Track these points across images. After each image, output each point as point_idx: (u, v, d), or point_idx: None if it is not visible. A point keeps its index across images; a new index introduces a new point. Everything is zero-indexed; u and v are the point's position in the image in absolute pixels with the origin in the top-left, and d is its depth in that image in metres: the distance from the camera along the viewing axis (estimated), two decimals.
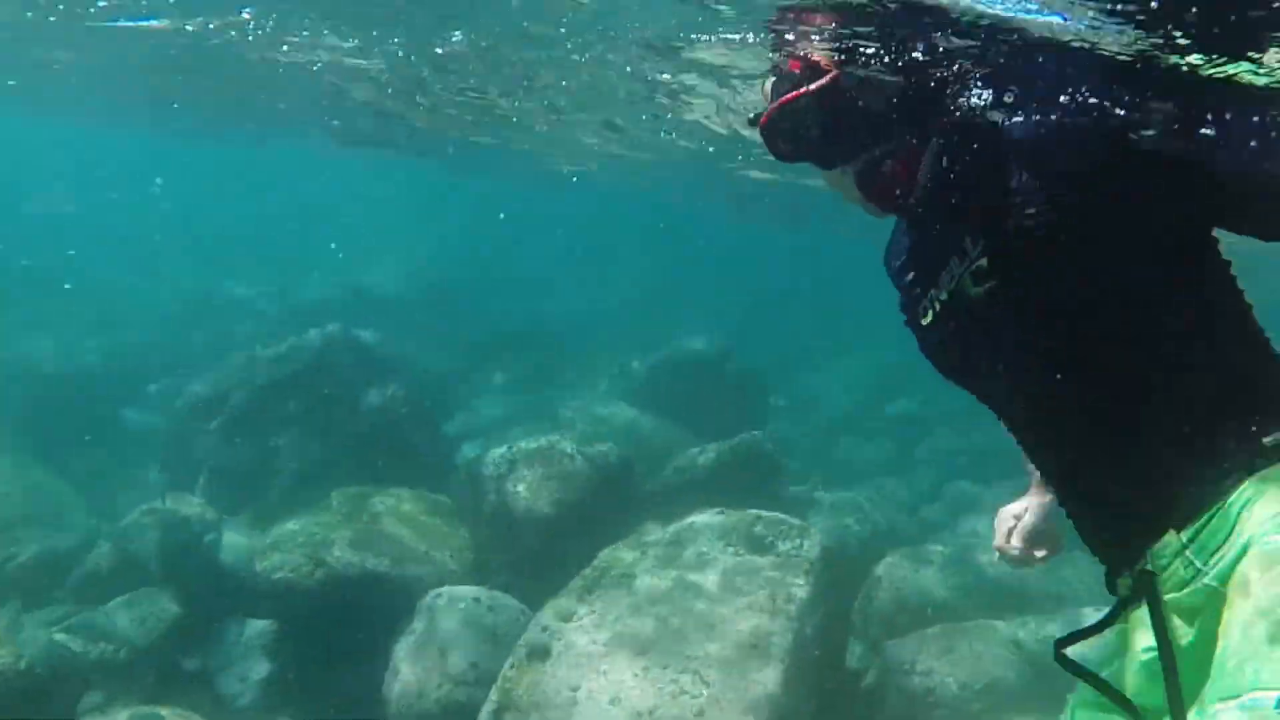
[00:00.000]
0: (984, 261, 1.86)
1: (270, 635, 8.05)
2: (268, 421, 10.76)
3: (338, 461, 10.56)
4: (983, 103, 2.14)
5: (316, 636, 8.02)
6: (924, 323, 2.08)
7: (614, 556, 7.52)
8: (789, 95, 2.00)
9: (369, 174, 29.90)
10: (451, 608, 7.40)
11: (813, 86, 2.00)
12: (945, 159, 1.95)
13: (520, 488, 9.12)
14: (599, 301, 22.87)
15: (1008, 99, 2.26)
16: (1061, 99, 2.76)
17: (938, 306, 2.02)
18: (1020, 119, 1.94)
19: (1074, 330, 1.80)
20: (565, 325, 19.42)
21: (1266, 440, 1.73)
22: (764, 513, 7.71)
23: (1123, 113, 2.62)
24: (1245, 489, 1.72)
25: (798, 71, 2.09)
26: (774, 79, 2.16)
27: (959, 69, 2.52)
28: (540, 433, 10.69)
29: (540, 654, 6.44)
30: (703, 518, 7.76)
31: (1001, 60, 3.13)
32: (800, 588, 6.69)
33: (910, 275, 2.12)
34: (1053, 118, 1.93)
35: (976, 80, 2.34)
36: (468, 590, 7.68)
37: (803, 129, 2.00)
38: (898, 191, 2.01)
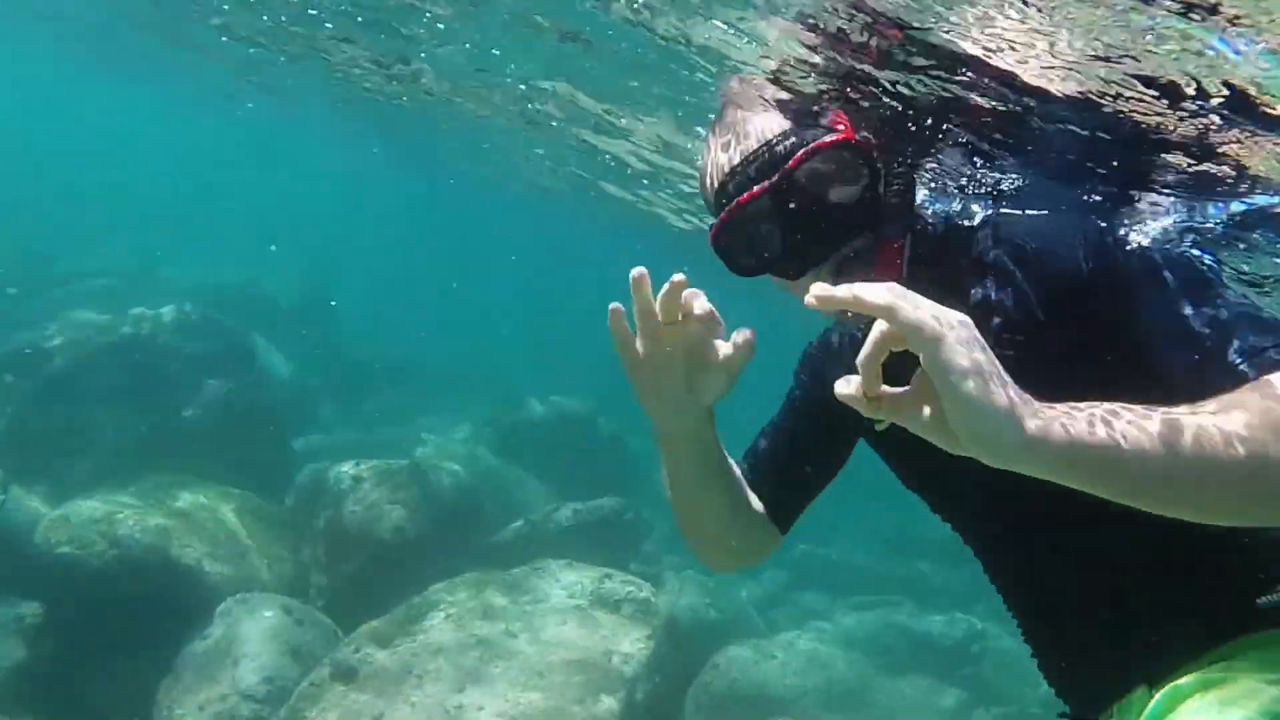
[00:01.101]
0: None
1: (38, 620, 7.05)
2: (93, 388, 9.76)
3: (165, 446, 9.62)
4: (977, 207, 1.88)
5: (94, 627, 7.08)
6: (879, 430, 1.74)
7: (448, 590, 6.96)
8: (742, 198, 1.59)
9: (276, 154, 28.40)
10: (255, 615, 6.65)
11: (769, 182, 1.58)
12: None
13: (360, 507, 8.45)
14: (479, 342, 22.34)
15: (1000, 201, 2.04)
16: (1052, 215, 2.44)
17: None
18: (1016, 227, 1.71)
19: None
20: (441, 360, 18.81)
21: (1260, 601, 1.52)
22: (615, 572, 7.31)
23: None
24: (1206, 669, 1.52)
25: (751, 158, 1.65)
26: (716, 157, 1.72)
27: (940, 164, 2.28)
28: (395, 458, 10.05)
29: (345, 675, 5.79)
30: (550, 566, 7.30)
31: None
32: (639, 651, 6.27)
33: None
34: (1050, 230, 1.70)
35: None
36: (278, 599, 6.94)
37: (764, 238, 1.62)
38: None
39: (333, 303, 18.41)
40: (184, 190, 32.27)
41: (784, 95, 2.64)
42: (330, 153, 21.16)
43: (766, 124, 1.66)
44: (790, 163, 1.56)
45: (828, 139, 1.58)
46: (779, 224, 1.59)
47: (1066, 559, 1.66)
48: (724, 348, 1.55)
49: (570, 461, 12.94)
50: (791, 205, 1.57)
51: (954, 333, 1.19)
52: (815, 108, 2.23)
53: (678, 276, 1.46)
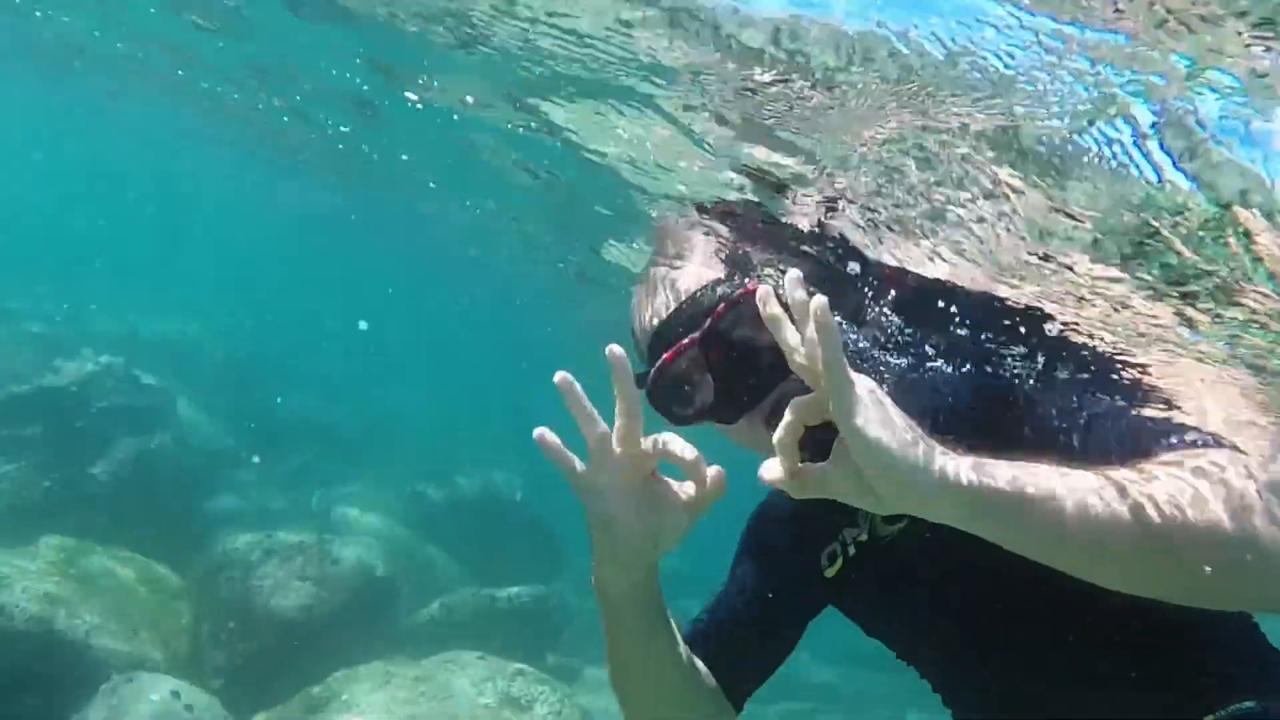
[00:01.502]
0: None
1: None
2: (2, 441, 9.35)
3: (66, 506, 9.20)
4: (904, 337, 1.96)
5: None
6: (829, 574, 1.74)
7: (350, 680, 6.68)
8: (668, 353, 1.58)
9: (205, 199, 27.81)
10: (141, 698, 6.29)
11: (698, 334, 1.58)
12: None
13: (268, 582, 8.14)
14: (407, 410, 21.93)
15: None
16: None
17: (852, 550, 1.71)
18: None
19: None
20: (366, 425, 18.40)
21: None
22: (527, 668, 7.09)
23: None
24: None
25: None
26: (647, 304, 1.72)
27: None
28: (312, 531, 9.74)
29: None
30: (461, 657, 7.06)
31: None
32: None
33: (808, 526, 1.77)
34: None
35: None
36: (167, 682, 6.57)
37: (697, 387, 1.61)
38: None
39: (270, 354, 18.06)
40: (118, 232, 31.59)
41: (718, 228, 2.66)
42: (271, 198, 20.92)
43: (695, 275, 1.67)
44: (715, 314, 1.57)
45: (751, 288, 1.58)
46: (710, 373, 1.58)
47: (1034, 683, 1.64)
48: (685, 485, 1.42)
49: (493, 541, 12.69)
50: (720, 355, 1.57)
51: (862, 383, 1.22)
52: (743, 250, 2.26)
53: (624, 421, 1.36)
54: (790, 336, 1.26)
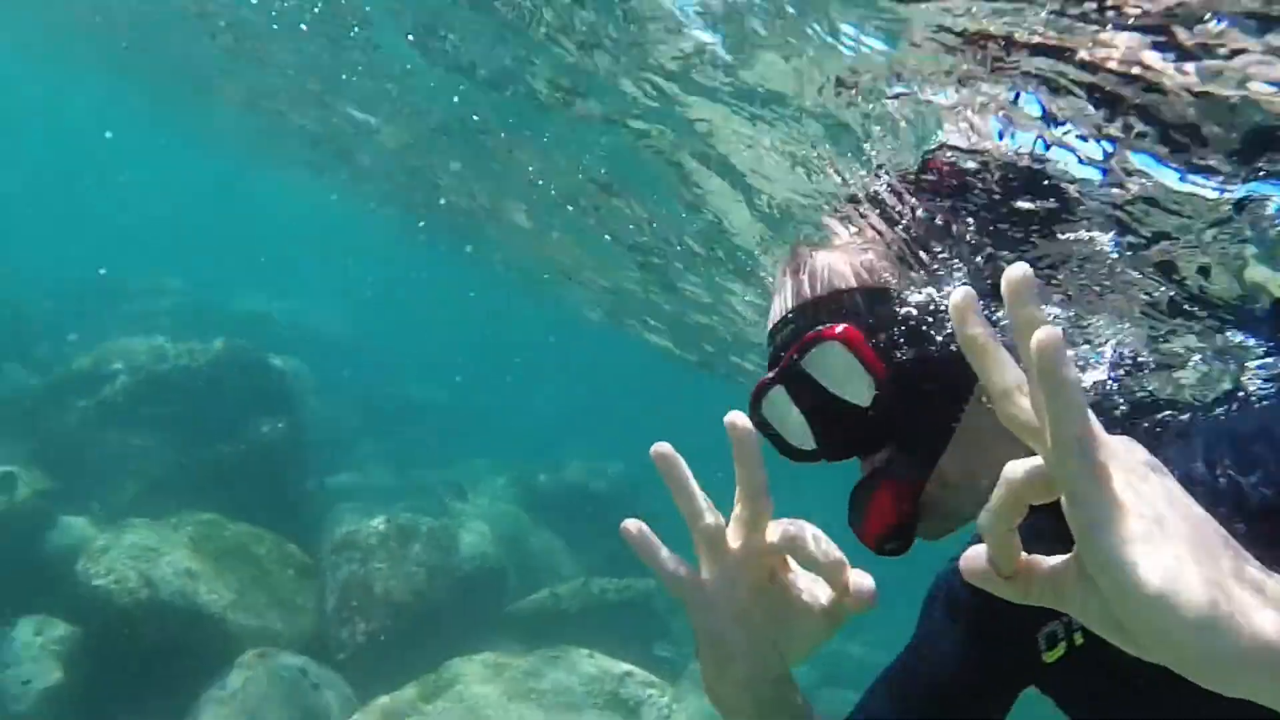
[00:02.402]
0: None
1: (72, 644, 7.16)
2: (141, 418, 9.97)
3: (203, 480, 9.77)
4: None
5: (122, 660, 7.17)
6: (1048, 659, 1.35)
7: (465, 669, 6.94)
8: (807, 335, 1.29)
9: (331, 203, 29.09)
10: (273, 673, 6.69)
11: (779, 370, 1.31)
12: None
13: (386, 565, 8.50)
14: (520, 398, 22.46)
15: None
16: None
17: (1079, 639, 1.30)
18: None
19: None
20: (480, 411, 18.90)
21: None
22: (637, 670, 7.24)
23: None
24: None
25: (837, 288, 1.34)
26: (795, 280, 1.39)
27: None
28: (426, 514, 10.12)
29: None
30: (571, 655, 7.25)
31: None
32: None
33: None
34: None
35: None
36: (295, 659, 6.97)
37: (788, 428, 1.35)
38: None
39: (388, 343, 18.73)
40: (237, 220, 32.93)
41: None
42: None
43: (826, 267, 1.37)
44: (798, 345, 1.29)
45: (825, 330, 1.27)
46: (801, 413, 1.32)
47: None
48: (820, 588, 1.08)
49: (601, 532, 12.91)
50: (807, 397, 1.30)
51: (1127, 465, 0.77)
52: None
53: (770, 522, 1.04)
54: (999, 377, 0.83)
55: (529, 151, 5.68)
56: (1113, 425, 0.99)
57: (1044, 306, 0.85)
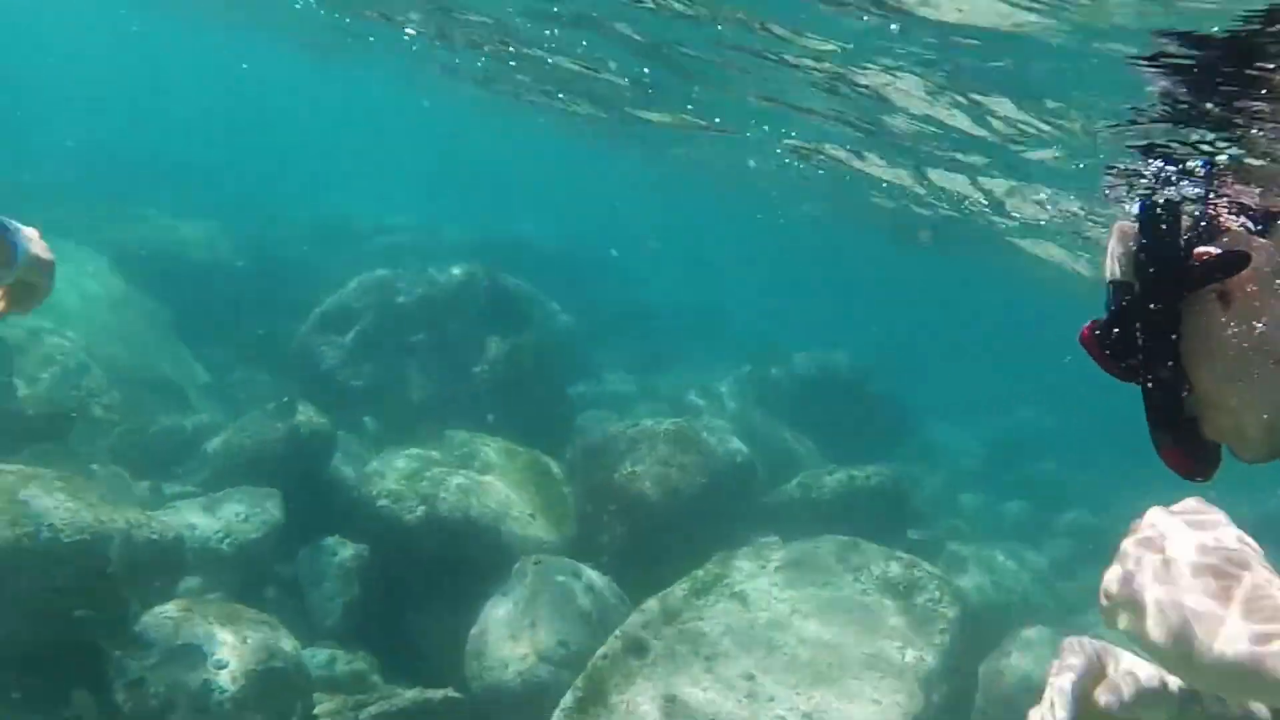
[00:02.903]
0: None
1: (365, 562, 7.79)
2: (396, 348, 10.58)
3: (457, 400, 10.31)
4: None
5: (409, 573, 7.74)
6: None
7: (730, 564, 6.96)
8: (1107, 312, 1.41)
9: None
10: (548, 578, 6.97)
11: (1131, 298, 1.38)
12: None
13: (639, 468, 8.62)
14: (734, 297, 22.28)
15: None
16: None
17: None
18: None
19: None
20: (696, 314, 18.91)
21: None
22: (901, 553, 7.03)
23: None
24: None
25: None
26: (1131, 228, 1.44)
27: None
28: (667, 415, 10.22)
29: (637, 650, 5.94)
30: (831, 542, 7.12)
31: None
32: (933, 649, 6.00)
33: None
34: None
35: None
36: (567, 563, 7.23)
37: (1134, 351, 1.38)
38: None
39: (613, 252, 18.95)
40: (454, 153, 33.99)
41: None
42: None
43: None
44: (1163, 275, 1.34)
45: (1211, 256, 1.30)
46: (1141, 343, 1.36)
47: None
48: None
49: (838, 420, 12.66)
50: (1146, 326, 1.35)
51: None
52: None
53: None
54: None
55: None
56: None
57: None
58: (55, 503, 5.52)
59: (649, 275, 20.44)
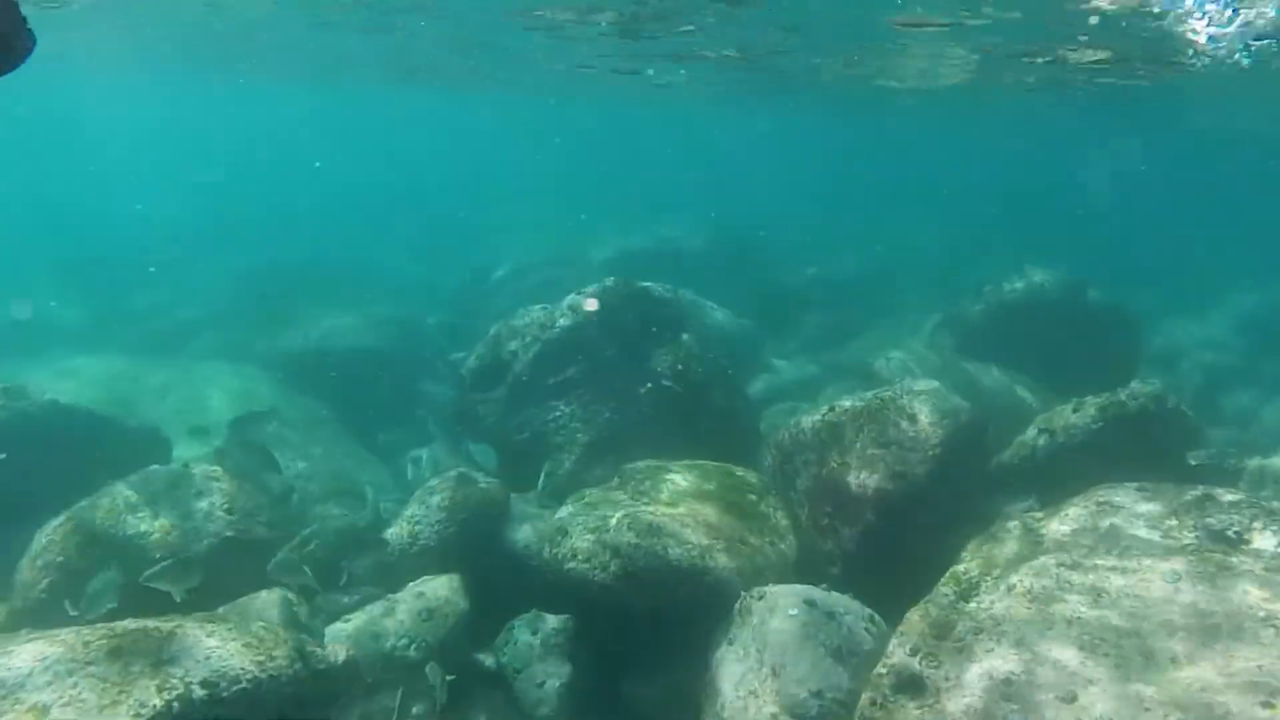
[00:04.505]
0: None
1: (566, 634, 6.89)
2: (554, 389, 9.71)
3: (627, 429, 9.34)
4: None
5: (618, 637, 6.77)
6: None
7: (993, 550, 5.61)
8: None
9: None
10: (779, 613, 5.80)
11: None
12: None
13: (849, 457, 7.36)
14: (897, 249, 20.49)
15: None
16: None
17: None
18: None
19: None
20: (864, 275, 17.38)
21: None
22: (1211, 489, 5.49)
23: None
24: None
25: None
26: None
27: None
28: (858, 390, 8.87)
29: (913, 687, 4.68)
30: (1116, 495, 5.65)
31: None
32: None
33: None
34: None
35: None
36: (797, 590, 6.04)
37: None
38: None
39: (761, 232, 17.87)
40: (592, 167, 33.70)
41: None
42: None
43: None
44: None
45: None
46: None
47: None
48: None
49: (1058, 347, 10.93)
50: None
51: None
52: None
53: None
54: None
55: None
56: None
57: None
58: (209, 650, 4.83)
59: (808, 250, 19.00)
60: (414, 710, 6.30)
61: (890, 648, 5.00)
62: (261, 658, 4.92)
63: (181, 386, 12.43)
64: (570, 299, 10.11)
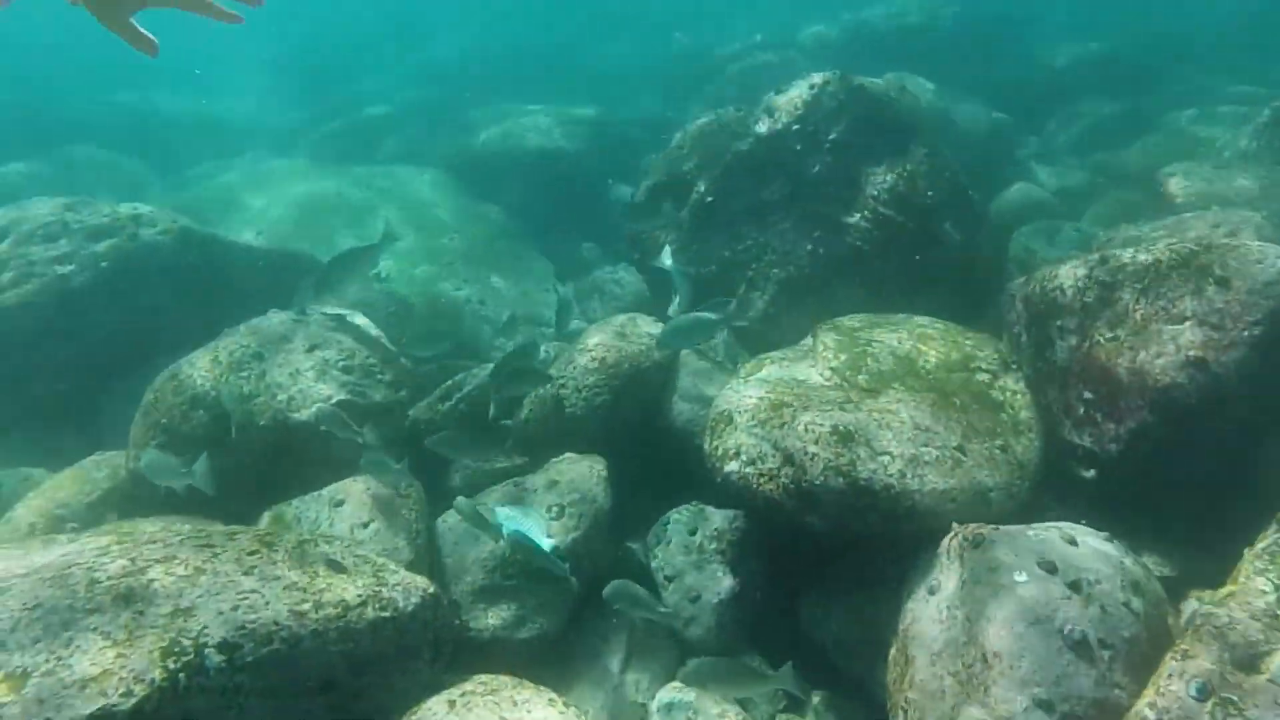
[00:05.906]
0: None
1: (732, 537, 5.65)
2: (740, 212, 8.06)
3: (833, 267, 7.63)
4: None
5: (790, 551, 5.46)
6: None
7: None
8: None
9: None
10: (1001, 574, 4.21)
11: None
12: None
13: (1122, 332, 5.39)
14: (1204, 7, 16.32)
15: None
16: None
17: None
18: None
19: None
20: (1156, 50, 13.95)
21: None
22: None
23: None
24: None
25: None
26: None
27: None
28: (1142, 211, 6.65)
29: (1248, 666, 3.09)
30: None
31: None
32: None
33: None
34: None
35: None
36: (1032, 540, 4.38)
37: None
38: None
39: None
40: None
41: None
42: None
43: None
44: None
45: None
46: None
47: None
48: None
49: None
50: None
51: None
52: None
53: None
54: None
55: None
56: None
57: None
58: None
59: (1081, 21, 15.46)
60: (522, 633, 5.35)
61: (1164, 672, 3.35)
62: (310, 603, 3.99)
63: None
64: (766, 100, 8.21)
